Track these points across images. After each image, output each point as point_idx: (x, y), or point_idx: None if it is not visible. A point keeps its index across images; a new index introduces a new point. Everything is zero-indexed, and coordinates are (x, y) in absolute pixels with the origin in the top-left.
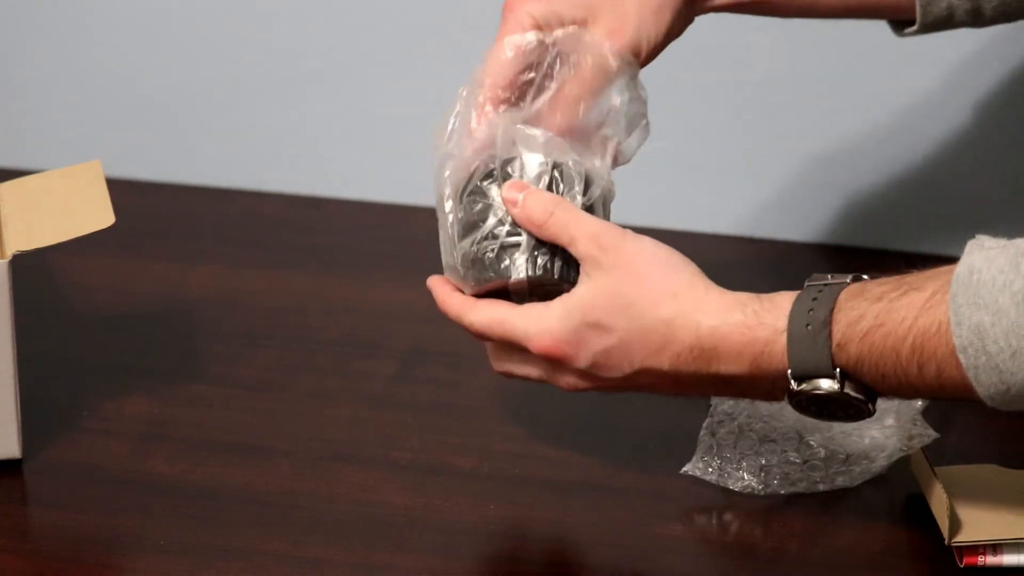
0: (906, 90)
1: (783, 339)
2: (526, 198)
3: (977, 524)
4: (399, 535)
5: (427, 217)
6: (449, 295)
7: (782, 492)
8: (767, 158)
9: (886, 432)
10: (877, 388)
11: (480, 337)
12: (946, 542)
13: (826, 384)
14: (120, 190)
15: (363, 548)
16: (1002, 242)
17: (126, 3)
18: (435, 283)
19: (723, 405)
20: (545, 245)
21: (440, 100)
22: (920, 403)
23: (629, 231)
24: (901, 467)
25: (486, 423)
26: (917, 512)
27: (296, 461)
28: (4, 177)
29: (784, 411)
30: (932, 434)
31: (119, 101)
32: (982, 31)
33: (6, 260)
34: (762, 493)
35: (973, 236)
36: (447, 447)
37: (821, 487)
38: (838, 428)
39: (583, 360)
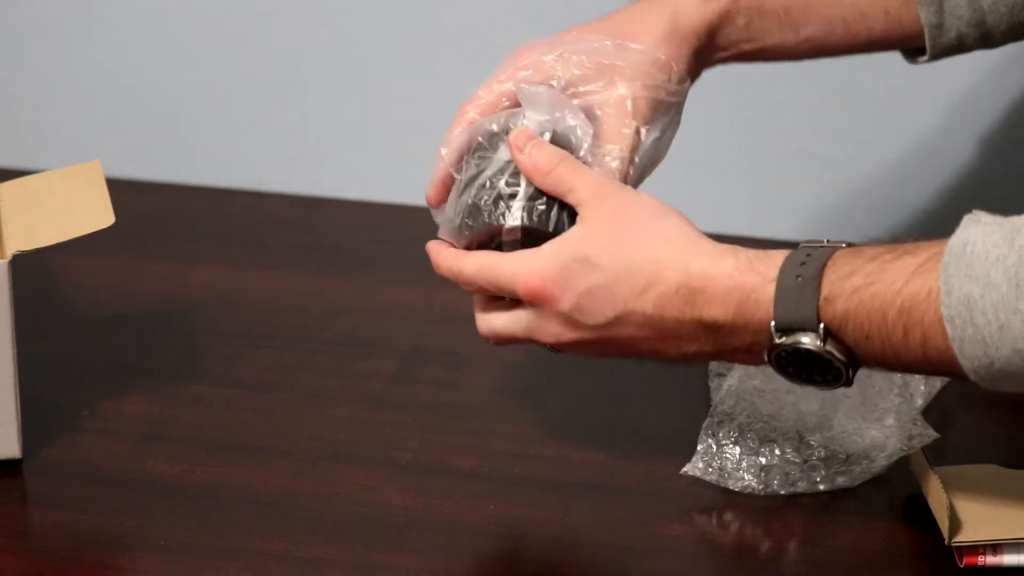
0: (907, 90)
1: (771, 288)
2: (533, 147)
3: (977, 524)
4: (399, 535)
5: (427, 217)
6: (443, 250)
7: (782, 492)
8: (767, 158)
9: (886, 432)
10: (859, 351)
11: (469, 287)
12: (946, 542)
13: (808, 339)
14: (120, 190)
15: (363, 548)
16: (998, 219)
17: (126, 3)
18: (432, 244)
19: (723, 406)
20: (543, 196)
21: (440, 100)
22: (920, 402)
23: (630, 187)
24: (901, 467)
25: (486, 423)
26: (917, 512)
27: (296, 461)
28: (4, 177)
29: (784, 411)
30: (932, 434)
31: (119, 101)
32: None
33: (6, 260)
34: (762, 493)
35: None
36: (447, 447)
37: (822, 487)
38: (838, 428)
39: (567, 301)
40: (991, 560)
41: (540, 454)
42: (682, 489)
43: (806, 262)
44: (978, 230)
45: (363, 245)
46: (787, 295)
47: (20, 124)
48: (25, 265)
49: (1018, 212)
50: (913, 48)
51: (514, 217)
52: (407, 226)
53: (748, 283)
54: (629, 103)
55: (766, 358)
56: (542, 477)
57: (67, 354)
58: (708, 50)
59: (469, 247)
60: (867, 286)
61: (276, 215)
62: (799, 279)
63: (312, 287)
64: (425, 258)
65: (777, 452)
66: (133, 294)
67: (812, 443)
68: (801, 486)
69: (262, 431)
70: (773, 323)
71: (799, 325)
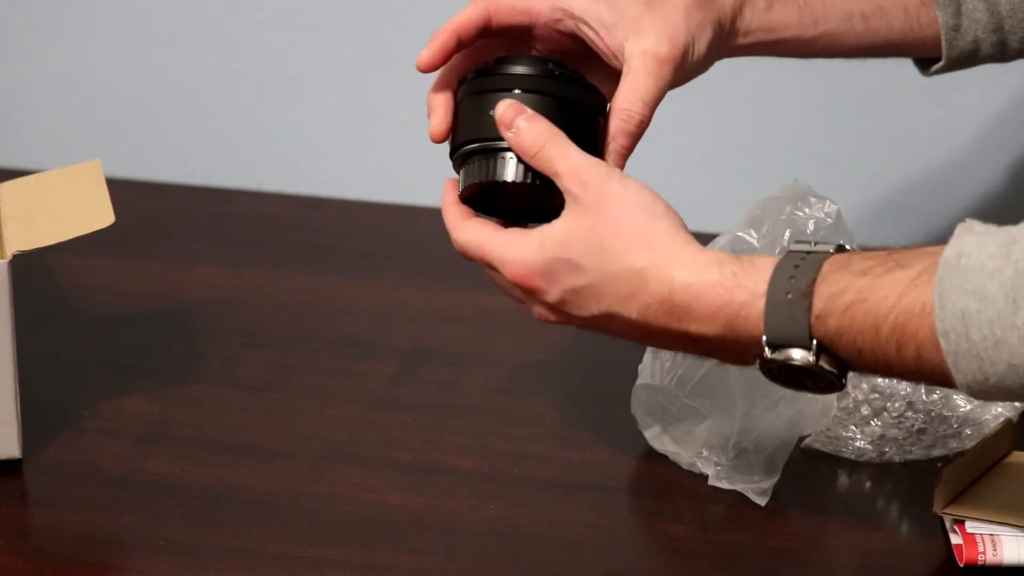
0: (910, 89)
1: (761, 303)
2: (523, 120)
3: (982, 506)
4: (399, 535)
5: (427, 217)
6: (452, 202)
7: (897, 460)
8: (767, 158)
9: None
10: (852, 364)
11: (461, 253)
12: (934, 508)
13: (800, 355)
14: (120, 190)
15: (363, 548)
16: (992, 228)
17: (126, 3)
18: (448, 183)
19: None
20: None
21: None
22: None
23: (618, 170)
24: (902, 467)
25: (486, 423)
26: (917, 512)
27: (296, 461)
28: (4, 177)
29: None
30: None
31: (119, 101)
32: None
33: (6, 260)
34: (878, 460)
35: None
36: (447, 447)
37: (936, 452)
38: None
39: (553, 294)
40: (991, 559)
41: (540, 454)
42: (682, 489)
43: (795, 276)
44: (972, 240)
45: (363, 245)
46: (778, 311)
47: (20, 124)
48: (25, 265)
49: (1014, 209)
50: (926, 59)
51: (508, 173)
52: (407, 226)
53: (737, 300)
54: (653, 59)
55: (756, 366)
56: (542, 477)
57: (67, 354)
58: (729, 33)
59: (468, 190)
60: (859, 303)
61: (276, 215)
62: (789, 296)
63: (312, 287)
64: (425, 258)
65: (890, 420)
66: (133, 294)
67: (919, 409)
68: (916, 453)
69: (262, 431)
70: (764, 339)
71: (791, 342)
